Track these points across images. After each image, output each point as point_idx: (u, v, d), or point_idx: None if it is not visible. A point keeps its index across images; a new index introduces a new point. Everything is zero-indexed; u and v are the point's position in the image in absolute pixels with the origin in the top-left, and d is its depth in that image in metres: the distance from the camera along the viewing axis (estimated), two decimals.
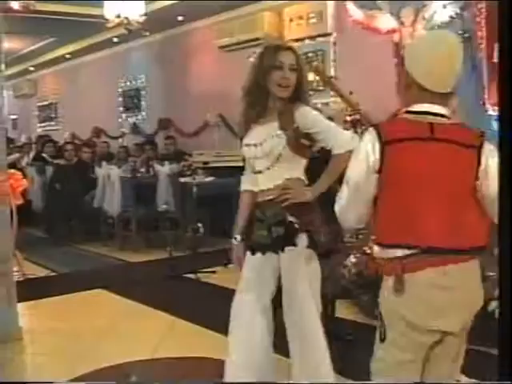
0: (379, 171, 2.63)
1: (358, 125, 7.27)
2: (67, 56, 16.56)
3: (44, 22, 12.20)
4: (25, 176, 8.10)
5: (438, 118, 2.70)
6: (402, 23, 6.78)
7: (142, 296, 6.95)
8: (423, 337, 2.65)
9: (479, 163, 2.63)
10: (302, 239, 3.39)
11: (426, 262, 2.57)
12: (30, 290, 6.90)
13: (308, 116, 3.41)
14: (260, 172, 3.51)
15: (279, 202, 3.39)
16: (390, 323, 2.70)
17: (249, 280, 3.56)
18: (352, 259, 6.65)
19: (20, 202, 5.48)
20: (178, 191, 9.93)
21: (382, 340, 2.72)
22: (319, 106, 10.03)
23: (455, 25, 6.49)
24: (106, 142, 14.87)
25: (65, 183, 11.35)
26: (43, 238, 11.55)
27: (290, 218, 3.40)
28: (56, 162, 12.12)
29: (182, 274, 7.96)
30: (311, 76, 10.40)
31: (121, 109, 15.55)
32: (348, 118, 7.36)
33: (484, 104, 6.17)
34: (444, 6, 6.51)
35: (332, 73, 10.02)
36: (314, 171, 3.58)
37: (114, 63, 15.59)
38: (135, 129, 14.95)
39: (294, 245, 3.39)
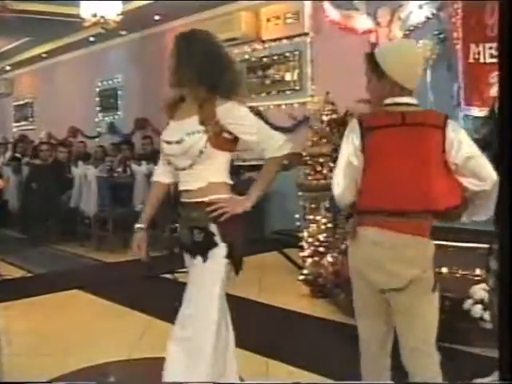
0: (362, 152, 3.20)
1: (333, 124, 7.30)
2: (43, 55, 16.49)
3: (20, 21, 12.12)
4: (0, 176, 8.07)
5: (409, 107, 3.29)
6: (378, 23, 6.83)
7: (118, 296, 6.93)
8: (360, 281, 3.35)
9: (445, 138, 3.17)
10: (221, 249, 3.26)
11: (376, 220, 3.19)
12: (6, 290, 6.86)
13: (234, 113, 3.24)
14: (183, 169, 3.33)
15: (202, 206, 3.25)
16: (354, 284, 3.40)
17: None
18: (329, 258, 6.69)
19: None
20: None
21: None
22: (296, 105, 10.09)
23: (431, 25, 6.54)
24: (82, 141, 14.81)
25: (41, 183, 11.29)
26: (19, 239, 11.47)
27: (212, 227, 3.25)
28: (32, 161, 12.06)
29: (159, 274, 7.95)
30: (288, 75, 10.48)
31: (97, 108, 15.51)
32: (324, 118, 7.39)
33: (459, 104, 6.23)
34: (420, 7, 6.56)
35: (309, 73, 10.05)
36: None
37: (90, 62, 15.54)
38: (112, 128, 14.91)
39: (207, 254, 3.27)
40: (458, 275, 5.60)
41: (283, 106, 10.51)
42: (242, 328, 4.54)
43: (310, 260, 6.97)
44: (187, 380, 3.31)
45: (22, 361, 5.04)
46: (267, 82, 10.90)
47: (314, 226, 7.06)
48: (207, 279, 3.29)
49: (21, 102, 19.29)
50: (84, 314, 6.51)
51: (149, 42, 13.48)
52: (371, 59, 3.36)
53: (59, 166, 11.78)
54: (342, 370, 4.70)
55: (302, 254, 7.21)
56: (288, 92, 10.51)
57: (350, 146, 3.25)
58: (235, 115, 3.24)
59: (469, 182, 3.20)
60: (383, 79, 3.27)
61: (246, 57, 11.22)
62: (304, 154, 7.26)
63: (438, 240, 5.70)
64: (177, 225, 3.52)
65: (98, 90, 15.48)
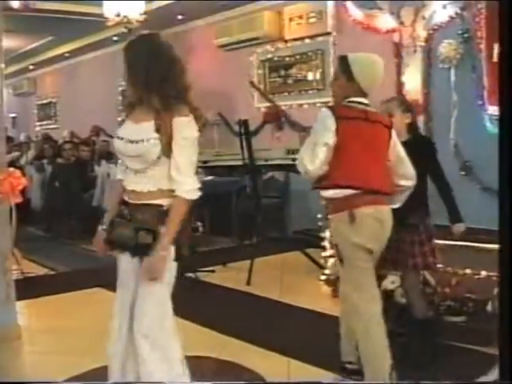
0: (336, 136, 3.89)
1: None
2: (67, 54, 16.56)
3: (44, 21, 12.20)
4: (24, 174, 8.10)
5: (365, 106, 4.10)
6: (401, 23, 6.78)
7: None
8: (365, 255, 3.99)
9: (390, 137, 4.11)
10: (171, 252, 3.30)
11: (365, 200, 3.90)
12: (29, 288, 6.89)
13: (182, 133, 3.21)
14: (136, 172, 3.30)
15: (152, 209, 3.26)
16: (344, 249, 4.00)
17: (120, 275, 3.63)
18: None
19: (19, 200, 5.44)
20: None
21: (342, 261, 4.04)
22: (318, 105, 10.05)
23: (455, 25, 6.49)
24: (105, 140, 14.85)
25: (64, 182, 11.36)
26: (42, 237, 11.54)
27: (161, 229, 3.24)
28: (55, 160, 12.13)
29: (180, 273, 7.95)
30: (310, 75, 10.46)
31: (120, 107, 15.54)
32: None
33: (483, 104, 6.17)
34: (444, 6, 6.50)
35: (331, 72, 10.02)
36: None
37: (113, 62, 15.57)
38: None
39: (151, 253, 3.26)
40: (481, 276, 5.58)
41: (305, 106, 10.48)
42: (262, 328, 4.59)
43: (331, 260, 6.95)
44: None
45: (43, 359, 5.07)
46: (289, 81, 10.88)
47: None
48: (157, 282, 3.36)
49: (44, 101, 19.40)
50: (105, 312, 6.50)
51: (171, 41, 13.38)
52: (344, 62, 4.09)
53: (82, 164, 11.84)
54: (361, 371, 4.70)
55: (323, 254, 7.19)
56: (310, 91, 10.48)
57: (327, 130, 3.90)
58: (181, 135, 3.20)
59: (399, 179, 4.19)
60: (351, 81, 4.03)
61: (269, 56, 11.21)
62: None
63: (462, 241, 5.70)
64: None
65: (120, 89, 15.51)
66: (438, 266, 5.17)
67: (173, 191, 3.25)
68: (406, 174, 4.22)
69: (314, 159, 3.92)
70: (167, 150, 3.20)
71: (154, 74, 3.30)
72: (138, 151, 3.22)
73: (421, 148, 4.75)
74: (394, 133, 4.13)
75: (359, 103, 4.06)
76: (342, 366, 4.45)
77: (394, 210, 4.13)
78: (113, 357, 3.57)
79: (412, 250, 4.74)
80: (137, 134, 3.24)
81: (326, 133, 3.91)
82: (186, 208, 3.24)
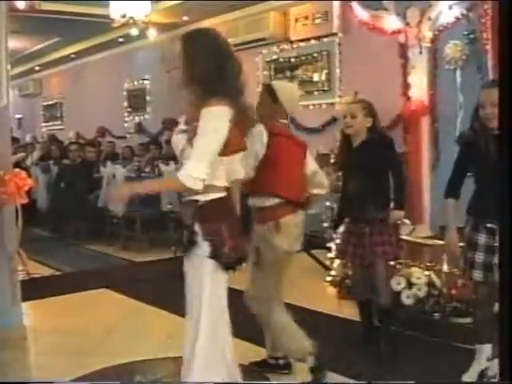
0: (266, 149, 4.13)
1: None
2: (72, 56, 16.59)
3: (49, 22, 12.21)
4: (30, 175, 8.12)
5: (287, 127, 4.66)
6: (407, 24, 6.78)
7: (146, 295, 6.95)
8: (288, 257, 4.52)
9: (305, 153, 4.59)
10: (204, 248, 3.24)
11: (288, 209, 4.34)
12: (35, 289, 6.89)
13: (202, 120, 3.14)
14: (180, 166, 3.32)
15: (187, 205, 3.29)
16: (266, 252, 4.36)
17: None
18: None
19: (25, 201, 5.46)
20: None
21: (258, 264, 4.39)
22: (324, 106, 10.04)
23: (461, 26, 6.49)
24: (111, 141, 14.89)
25: (69, 182, 11.37)
26: (48, 238, 11.55)
27: (195, 225, 3.24)
28: (61, 161, 12.15)
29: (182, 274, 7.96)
30: (316, 76, 10.45)
31: (126, 108, 15.56)
32: None
33: None
34: (450, 7, 6.50)
35: (337, 73, 10.02)
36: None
37: (119, 63, 15.61)
38: (140, 129, 14.97)
39: (192, 251, 3.30)
40: None
41: (311, 107, 10.48)
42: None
43: (337, 261, 6.95)
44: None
45: (48, 359, 5.07)
46: (295, 82, 10.88)
47: (341, 227, 7.03)
48: (195, 279, 3.38)
49: (50, 102, 19.43)
50: (111, 313, 6.53)
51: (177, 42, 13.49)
52: (269, 89, 4.52)
53: (88, 165, 11.85)
54: (367, 371, 4.69)
55: (329, 255, 7.19)
56: (316, 92, 10.47)
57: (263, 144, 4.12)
58: (202, 123, 3.15)
59: (314, 188, 4.64)
60: (276, 105, 4.44)
61: (274, 57, 11.22)
62: (332, 155, 7.25)
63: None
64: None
65: (126, 90, 15.54)
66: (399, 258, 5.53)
67: (209, 185, 3.20)
68: (320, 184, 4.71)
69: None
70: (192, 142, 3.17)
71: (205, 70, 3.26)
72: (173, 144, 3.36)
73: (379, 146, 4.93)
74: (307, 150, 4.63)
75: (284, 124, 4.55)
76: (270, 362, 4.79)
77: (358, 205, 4.81)
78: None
79: (380, 239, 4.91)
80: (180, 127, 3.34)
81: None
82: (179, 189, 3.37)
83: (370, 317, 5.28)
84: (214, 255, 3.24)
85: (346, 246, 5.14)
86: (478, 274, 4.32)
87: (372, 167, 4.87)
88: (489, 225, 4.25)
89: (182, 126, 3.28)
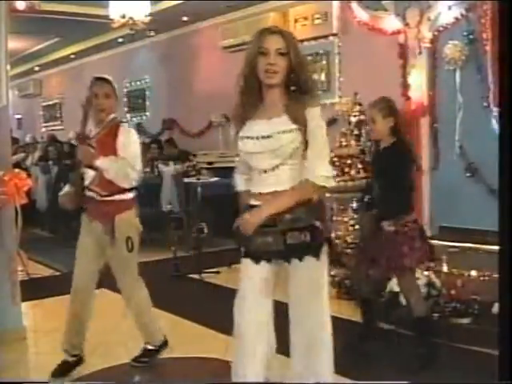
0: None
1: (362, 125, 7.28)
2: (72, 56, 16.58)
3: (49, 22, 12.20)
4: (29, 176, 8.12)
5: None
6: (407, 24, 6.78)
7: None
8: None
9: None
10: (325, 245, 3.21)
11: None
12: (34, 289, 6.90)
13: (316, 121, 3.16)
14: (265, 171, 3.18)
15: (303, 205, 3.12)
16: (135, 238, 5.01)
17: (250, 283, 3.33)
18: None
19: (24, 201, 5.47)
20: (182, 191, 9.94)
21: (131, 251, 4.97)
22: (324, 106, 10.04)
23: (460, 26, 6.49)
24: None
25: None
26: (48, 238, 11.57)
27: (316, 223, 3.15)
28: (61, 161, 12.15)
29: (186, 274, 7.97)
30: (315, 76, 10.44)
31: (125, 109, 15.56)
32: (353, 119, 7.36)
33: (489, 105, 6.17)
34: (449, 8, 6.51)
35: (337, 73, 10.02)
36: None
37: (118, 63, 15.60)
38: (140, 129, 14.97)
39: (318, 253, 3.19)
40: (486, 278, 5.57)
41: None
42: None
43: (336, 261, 6.95)
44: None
45: (48, 359, 5.07)
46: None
47: (341, 227, 7.03)
48: (320, 278, 3.24)
49: (49, 103, 19.42)
50: (110, 313, 6.53)
51: (177, 42, 13.51)
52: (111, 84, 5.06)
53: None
54: (366, 372, 4.69)
55: None
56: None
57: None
58: (314, 124, 3.17)
59: None
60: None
61: None
62: (332, 155, 7.25)
63: (468, 243, 5.70)
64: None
65: (125, 90, 15.52)
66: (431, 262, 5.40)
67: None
68: None
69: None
70: (306, 143, 3.15)
71: (304, 71, 3.30)
72: (274, 144, 3.13)
73: (402, 154, 4.85)
74: None
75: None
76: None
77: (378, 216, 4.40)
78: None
79: (402, 249, 4.75)
80: (270, 129, 3.15)
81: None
82: (312, 195, 3.15)
83: (371, 316, 5.28)
84: (329, 252, 3.26)
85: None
86: None
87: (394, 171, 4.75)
88: None
89: (289, 126, 3.14)
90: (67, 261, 9.25)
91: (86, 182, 4.69)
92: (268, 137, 3.13)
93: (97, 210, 4.81)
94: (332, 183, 3.14)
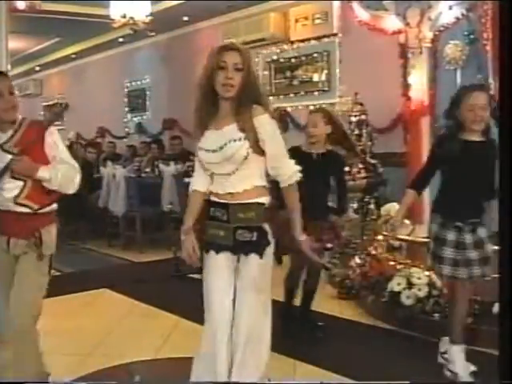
0: None
1: (363, 125, 7.28)
2: (73, 56, 16.59)
3: (50, 22, 12.21)
4: None
5: None
6: (407, 24, 6.77)
7: (146, 296, 6.95)
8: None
9: None
10: (271, 247, 3.44)
11: None
12: None
13: (265, 127, 3.38)
14: (226, 175, 3.42)
15: (253, 208, 3.41)
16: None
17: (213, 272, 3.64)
18: (357, 260, 6.67)
19: None
20: (182, 191, 9.92)
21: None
22: (324, 106, 10.04)
23: (461, 26, 6.48)
24: (112, 141, 14.89)
25: None
26: None
27: (265, 226, 3.44)
28: None
29: (186, 274, 7.96)
30: (316, 76, 10.45)
31: (126, 109, 15.57)
32: (353, 119, 7.36)
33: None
34: (450, 8, 6.50)
35: (337, 73, 10.02)
36: None
37: (119, 63, 15.61)
38: (140, 129, 14.98)
39: (262, 252, 3.43)
40: (487, 278, 5.55)
41: (311, 107, 10.47)
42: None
43: (337, 261, 6.95)
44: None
45: (47, 359, 5.07)
46: (295, 82, 10.88)
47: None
48: (261, 276, 3.44)
49: (50, 103, 19.42)
50: (111, 313, 6.53)
51: (177, 42, 13.52)
52: None
53: (88, 165, 11.85)
54: (367, 372, 4.69)
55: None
56: (316, 93, 10.47)
57: None
58: (266, 129, 3.37)
59: None
60: None
61: (275, 57, 11.21)
62: None
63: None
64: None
65: (126, 90, 15.54)
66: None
67: (266, 188, 3.47)
68: None
69: None
70: (255, 147, 3.36)
71: (254, 80, 3.48)
72: (226, 154, 3.36)
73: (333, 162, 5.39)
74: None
75: None
76: None
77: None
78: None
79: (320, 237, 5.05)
80: (221, 140, 3.38)
81: None
82: (296, 193, 3.43)
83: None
84: (276, 252, 3.53)
85: None
86: (447, 270, 4.51)
87: None
88: (457, 223, 4.44)
89: (237, 135, 3.36)
90: (67, 261, 9.31)
91: (8, 195, 3.81)
92: (221, 148, 3.37)
93: (18, 225, 3.88)
94: (299, 175, 3.43)
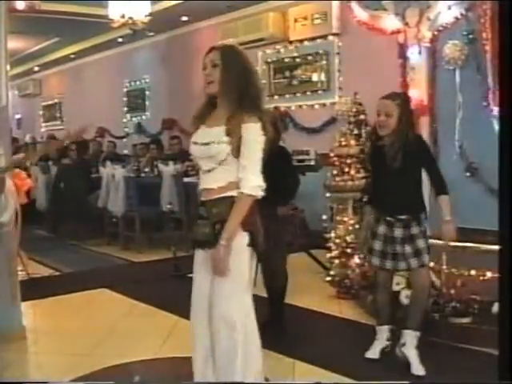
0: None
1: (362, 125, 7.28)
2: (72, 56, 16.60)
3: (49, 22, 12.22)
4: (29, 175, 8.13)
5: None
6: (406, 24, 6.76)
7: (145, 295, 6.96)
8: None
9: None
10: (244, 238, 3.45)
11: None
12: (34, 289, 6.89)
13: (248, 136, 3.42)
14: (208, 171, 3.53)
15: (223, 201, 3.45)
16: None
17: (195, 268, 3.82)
18: (356, 260, 6.67)
19: (24, 201, 5.47)
20: (182, 191, 9.93)
21: None
22: (323, 106, 10.03)
23: (460, 26, 6.48)
24: (111, 141, 14.88)
25: (69, 183, 11.37)
26: (47, 238, 11.56)
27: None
28: (60, 161, 12.15)
29: (185, 274, 7.96)
30: (315, 76, 10.46)
31: (125, 109, 15.57)
32: (352, 119, 7.36)
33: (489, 105, 6.16)
34: (449, 7, 6.49)
35: (336, 73, 10.03)
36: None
37: (118, 63, 15.61)
38: (139, 129, 14.98)
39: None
40: (486, 278, 5.56)
41: (310, 107, 10.49)
42: (266, 328, 4.56)
43: (337, 261, 6.96)
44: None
45: (47, 359, 5.08)
46: (294, 82, 10.88)
47: (341, 227, 7.04)
48: (235, 268, 3.44)
49: (49, 103, 19.43)
50: (110, 313, 6.53)
51: (176, 42, 13.52)
52: None
53: (87, 165, 11.86)
54: (367, 372, 4.69)
55: (329, 255, 7.19)
56: (315, 93, 10.47)
57: None
58: (249, 138, 3.42)
59: None
60: None
61: (274, 57, 11.21)
62: (332, 155, 7.25)
63: (468, 242, 5.69)
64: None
65: (125, 90, 15.55)
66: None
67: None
68: None
69: None
70: (236, 152, 3.43)
71: (243, 83, 3.52)
72: (209, 152, 3.47)
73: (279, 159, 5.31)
74: None
75: None
76: None
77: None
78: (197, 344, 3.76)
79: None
80: (208, 137, 3.48)
81: None
82: (249, 204, 3.43)
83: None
84: (253, 244, 3.50)
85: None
86: (375, 260, 4.89)
87: None
88: (388, 218, 4.78)
89: (223, 138, 3.42)
90: (66, 260, 9.32)
91: None
92: (206, 144, 3.49)
93: None
94: (261, 193, 3.44)
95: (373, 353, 4.93)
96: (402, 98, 4.99)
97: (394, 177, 4.75)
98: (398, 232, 4.74)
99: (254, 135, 3.43)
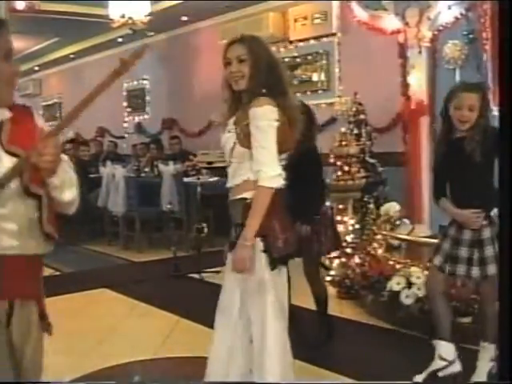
0: None
1: (362, 125, 7.28)
2: (72, 56, 16.59)
3: (49, 22, 12.21)
4: None
5: None
6: (406, 24, 6.77)
7: (145, 295, 6.96)
8: None
9: None
10: (257, 244, 3.26)
11: None
12: None
13: (254, 120, 3.22)
14: (228, 167, 3.43)
15: (238, 203, 3.32)
16: None
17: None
18: (356, 259, 6.68)
19: None
20: (182, 191, 9.93)
21: None
22: (323, 106, 10.03)
23: (460, 25, 6.48)
24: (112, 141, 14.88)
25: None
26: None
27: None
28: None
29: (186, 274, 7.97)
30: (315, 76, 10.45)
31: (125, 109, 15.56)
32: (352, 119, 7.37)
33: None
34: (449, 7, 6.49)
35: (336, 73, 10.03)
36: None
37: (118, 63, 15.59)
38: (140, 129, 14.98)
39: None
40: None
41: (310, 107, 10.48)
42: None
43: (337, 261, 6.95)
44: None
45: (47, 359, 5.07)
46: (295, 82, 10.86)
47: (341, 226, 7.03)
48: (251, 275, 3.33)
49: (49, 102, 19.41)
50: (111, 312, 6.54)
51: (176, 42, 13.51)
52: None
53: (86, 165, 11.85)
54: (367, 371, 4.69)
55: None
56: (315, 92, 10.47)
57: None
58: (257, 124, 3.23)
59: None
60: None
61: None
62: (331, 155, 7.25)
63: None
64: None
65: (125, 90, 15.53)
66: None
67: (254, 182, 3.27)
68: None
69: None
70: (244, 141, 3.26)
71: (269, 75, 3.38)
72: (222, 143, 3.40)
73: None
74: None
75: None
76: None
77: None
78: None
79: (311, 238, 5.15)
80: (226, 129, 3.40)
81: None
82: (269, 197, 3.22)
83: None
84: (267, 250, 3.28)
85: None
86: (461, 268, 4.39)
87: None
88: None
89: (230, 127, 3.33)
90: (66, 260, 9.32)
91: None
92: (223, 135, 3.41)
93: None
94: (281, 182, 3.25)
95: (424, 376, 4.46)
96: (483, 90, 4.64)
97: (470, 172, 4.37)
98: (467, 235, 4.37)
99: (258, 120, 3.22)
